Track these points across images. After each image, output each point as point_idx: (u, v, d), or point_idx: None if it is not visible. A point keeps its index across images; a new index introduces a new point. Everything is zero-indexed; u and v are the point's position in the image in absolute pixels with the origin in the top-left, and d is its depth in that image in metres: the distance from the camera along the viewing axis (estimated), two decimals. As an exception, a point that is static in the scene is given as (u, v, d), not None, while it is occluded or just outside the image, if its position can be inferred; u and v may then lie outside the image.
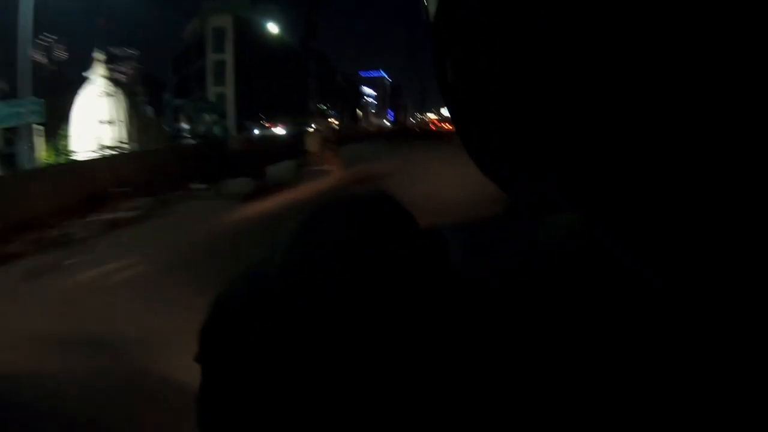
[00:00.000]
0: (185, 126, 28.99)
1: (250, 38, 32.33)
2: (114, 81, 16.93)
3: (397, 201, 0.31)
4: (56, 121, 14.84)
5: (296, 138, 10.16)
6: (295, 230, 0.29)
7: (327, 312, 0.22)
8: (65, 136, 15.60)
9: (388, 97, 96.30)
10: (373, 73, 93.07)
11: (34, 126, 11.86)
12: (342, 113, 56.03)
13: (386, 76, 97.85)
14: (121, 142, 15.73)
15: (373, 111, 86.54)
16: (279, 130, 34.88)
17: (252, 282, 0.28)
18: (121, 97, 16.65)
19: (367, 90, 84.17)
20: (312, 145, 9.48)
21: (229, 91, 29.85)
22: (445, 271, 0.24)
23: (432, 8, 0.38)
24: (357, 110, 67.25)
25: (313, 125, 10.22)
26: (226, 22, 30.38)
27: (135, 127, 17.82)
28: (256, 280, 0.28)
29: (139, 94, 27.92)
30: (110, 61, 15.94)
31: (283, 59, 37.42)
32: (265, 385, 0.22)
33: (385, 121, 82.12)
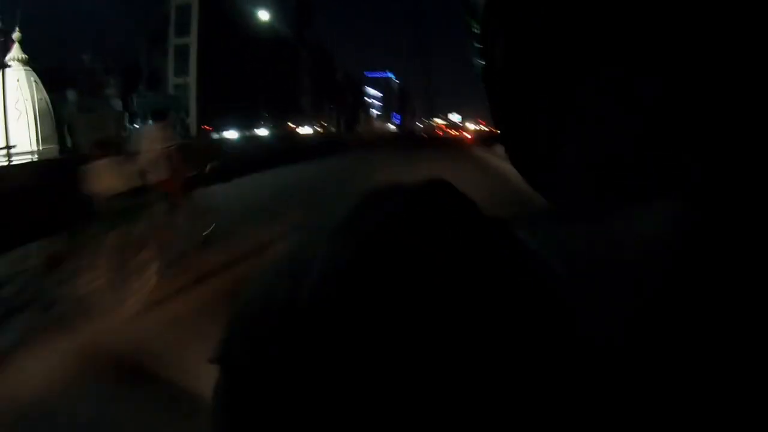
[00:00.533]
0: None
1: (224, 21, 27.10)
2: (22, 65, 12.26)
3: (460, 191, 0.25)
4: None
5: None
6: (338, 229, 0.23)
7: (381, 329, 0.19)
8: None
9: (396, 100, 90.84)
10: (380, 74, 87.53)
11: None
12: (339, 115, 50.75)
13: (394, 78, 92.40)
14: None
15: (379, 113, 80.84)
16: (263, 132, 29.97)
17: (286, 284, 0.22)
18: (26, 85, 11.94)
19: (371, 91, 78.44)
20: (101, 197, 3.57)
21: (191, 82, 24.55)
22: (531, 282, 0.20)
23: None
24: (358, 112, 61.83)
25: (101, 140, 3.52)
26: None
27: (52, 125, 13.21)
28: (290, 283, 0.22)
29: (108, 86, 23.23)
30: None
31: (269, 49, 32.30)
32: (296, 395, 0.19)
33: (389, 125, 76.58)
